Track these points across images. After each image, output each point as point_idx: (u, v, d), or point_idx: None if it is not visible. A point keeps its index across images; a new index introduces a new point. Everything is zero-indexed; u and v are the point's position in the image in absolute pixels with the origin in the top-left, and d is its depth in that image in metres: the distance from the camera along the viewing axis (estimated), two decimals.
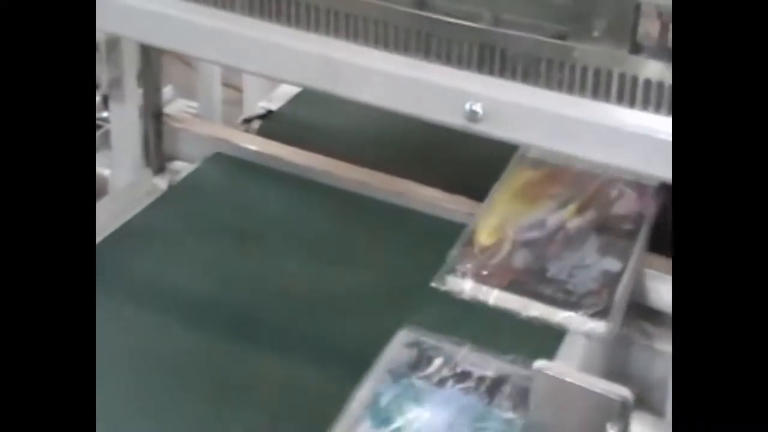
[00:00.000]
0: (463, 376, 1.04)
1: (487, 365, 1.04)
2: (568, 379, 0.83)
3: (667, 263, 1.17)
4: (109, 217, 1.27)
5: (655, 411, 1.02)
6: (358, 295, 1.21)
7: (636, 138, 0.88)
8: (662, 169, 0.84)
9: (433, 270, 1.14)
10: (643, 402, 0.97)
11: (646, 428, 0.89)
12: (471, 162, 1.34)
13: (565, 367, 0.91)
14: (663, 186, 1.24)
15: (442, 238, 1.20)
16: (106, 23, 1.11)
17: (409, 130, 1.37)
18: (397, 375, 1.03)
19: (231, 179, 1.38)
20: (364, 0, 1.06)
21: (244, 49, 1.02)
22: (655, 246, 1.21)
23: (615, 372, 0.99)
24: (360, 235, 1.31)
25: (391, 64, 0.93)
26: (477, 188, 1.28)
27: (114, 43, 1.30)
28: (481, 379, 1.02)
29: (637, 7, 0.96)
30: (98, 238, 1.23)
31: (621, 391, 0.80)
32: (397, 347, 1.06)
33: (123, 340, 1.11)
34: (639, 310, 1.19)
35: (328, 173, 1.38)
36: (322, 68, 0.97)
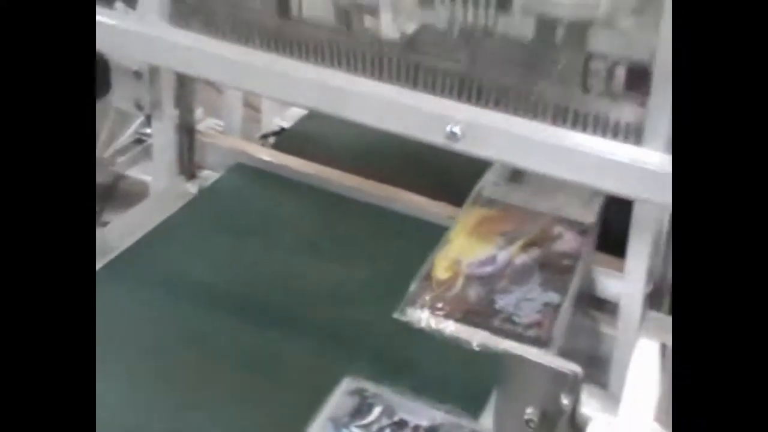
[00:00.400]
0: (399, 425, 1.00)
1: (423, 414, 1.01)
2: (529, 357, 0.83)
3: (611, 260, 1.17)
4: (148, 216, 1.30)
5: (600, 384, 1.02)
6: (354, 286, 1.21)
7: (584, 156, 0.90)
8: (608, 183, 0.92)
9: (416, 264, 1.12)
10: (590, 376, 0.97)
11: (593, 398, 0.90)
12: (452, 174, 1.30)
13: (528, 348, 0.92)
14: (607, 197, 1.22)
15: (426, 238, 1.19)
16: (149, 56, 1.18)
17: (400, 146, 1.34)
18: (338, 423, 1.00)
19: (249, 186, 1.40)
20: (363, 40, 1.09)
21: (263, 78, 1.03)
22: (601, 246, 1.20)
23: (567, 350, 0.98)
24: (357, 234, 1.32)
25: (385, 91, 0.94)
26: (456, 195, 1.27)
27: (155, 71, 1.29)
28: (416, 428, 0.99)
29: (589, 55, 1.05)
30: (139, 235, 1.26)
31: (573, 367, 0.80)
32: (341, 395, 1.03)
33: (156, 321, 1.14)
34: (588, 299, 1.19)
35: (331, 181, 1.39)
36: (327, 94, 0.97)
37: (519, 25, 1.12)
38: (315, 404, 0.99)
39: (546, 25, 1.13)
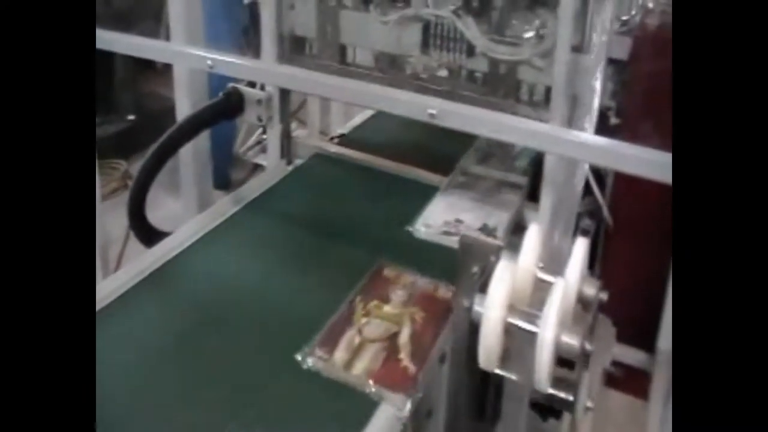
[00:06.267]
0: None
1: None
2: (474, 238, 0.85)
3: (532, 205, 1.23)
4: (262, 184, 1.34)
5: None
6: (377, 215, 1.25)
7: (514, 127, 0.95)
8: (520, 139, 0.97)
9: (415, 203, 1.24)
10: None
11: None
12: (439, 156, 1.39)
13: (476, 233, 0.99)
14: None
15: (422, 191, 1.29)
16: (268, 80, 1.28)
17: (410, 142, 1.47)
18: None
19: (322, 166, 1.43)
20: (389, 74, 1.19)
21: (330, 89, 1.11)
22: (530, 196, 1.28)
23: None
24: (382, 189, 1.35)
25: (396, 94, 1.00)
26: (443, 169, 1.35)
27: (269, 100, 1.35)
28: None
29: (519, 81, 1.16)
30: (256, 194, 1.29)
31: (498, 242, 0.84)
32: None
33: (276, 230, 1.19)
34: (517, 227, 1.23)
35: (369, 161, 1.43)
36: (367, 96, 1.03)
37: (480, 63, 1.22)
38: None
39: (494, 64, 1.21)
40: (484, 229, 1.15)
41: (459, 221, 1.19)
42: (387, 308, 0.97)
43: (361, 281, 1.00)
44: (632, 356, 1.54)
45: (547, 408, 0.90)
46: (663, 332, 1.51)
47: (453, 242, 1.09)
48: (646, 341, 1.53)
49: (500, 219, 1.20)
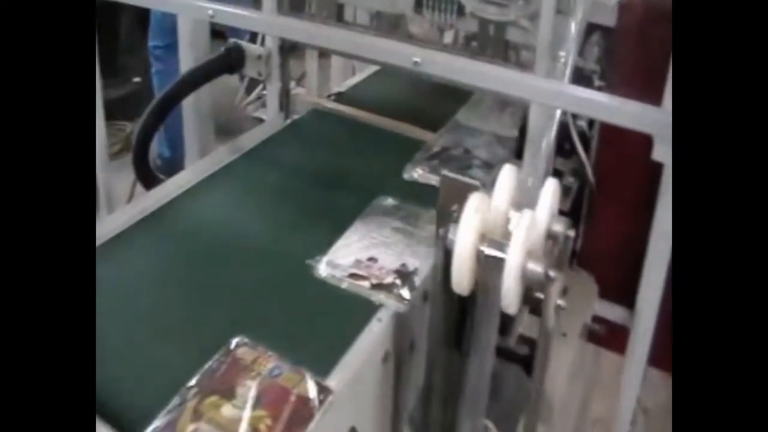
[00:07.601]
0: None
1: None
2: (453, 176, 0.85)
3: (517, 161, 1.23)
4: (263, 134, 1.38)
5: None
6: (368, 166, 1.30)
7: (497, 77, 0.95)
8: (502, 87, 0.94)
9: (403, 155, 1.28)
10: None
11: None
12: (425, 111, 1.45)
13: (457, 174, 0.96)
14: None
15: (409, 145, 1.34)
16: (267, 30, 1.29)
17: (402, 101, 1.52)
18: None
19: (319, 121, 1.47)
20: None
21: (325, 39, 1.11)
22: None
23: None
24: (374, 142, 1.39)
25: (385, 43, 1.00)
26: (430, 126, 1.40)
27: (269, 56, 1.39)
28: None
29: (507, 42, 1.18)
30: (257, 142, 1.34)
31: (475, 182, 0.86)
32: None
33: (261, 185, 1.24)
34: None
35: (361, 116, 1.47)
36: (355, 45, 1.04)
37: (470, 24, 1.24)
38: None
39: (483, 24, 1.23)
40: (400, 272, 0.99)
41: (372, 260, 1.00)
42: (226, 409, 0.68)
43: (207, 363, 0.75)
44: (616, 313, 1.56)
45: (520, 359, 0.92)
46: (642, 291, 1.55)
47: (358, 288, 0.95)
48: (630, 299, 1.56)
49: (420, 259, 1.01)
